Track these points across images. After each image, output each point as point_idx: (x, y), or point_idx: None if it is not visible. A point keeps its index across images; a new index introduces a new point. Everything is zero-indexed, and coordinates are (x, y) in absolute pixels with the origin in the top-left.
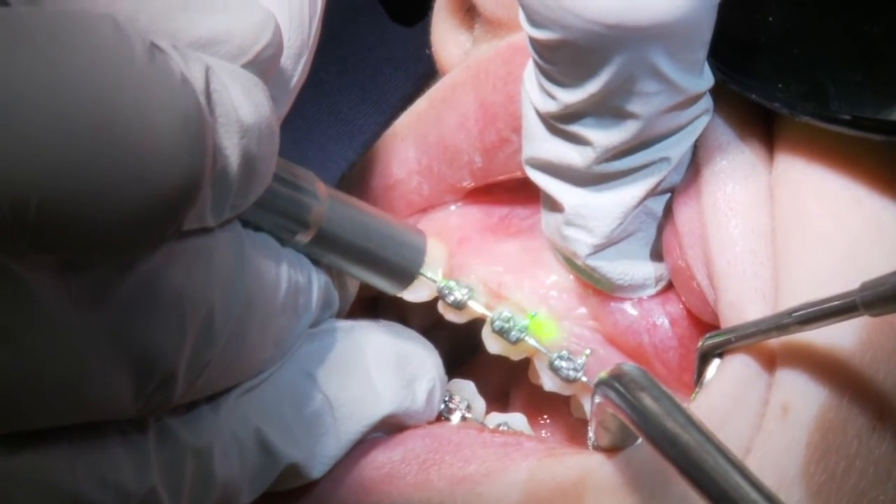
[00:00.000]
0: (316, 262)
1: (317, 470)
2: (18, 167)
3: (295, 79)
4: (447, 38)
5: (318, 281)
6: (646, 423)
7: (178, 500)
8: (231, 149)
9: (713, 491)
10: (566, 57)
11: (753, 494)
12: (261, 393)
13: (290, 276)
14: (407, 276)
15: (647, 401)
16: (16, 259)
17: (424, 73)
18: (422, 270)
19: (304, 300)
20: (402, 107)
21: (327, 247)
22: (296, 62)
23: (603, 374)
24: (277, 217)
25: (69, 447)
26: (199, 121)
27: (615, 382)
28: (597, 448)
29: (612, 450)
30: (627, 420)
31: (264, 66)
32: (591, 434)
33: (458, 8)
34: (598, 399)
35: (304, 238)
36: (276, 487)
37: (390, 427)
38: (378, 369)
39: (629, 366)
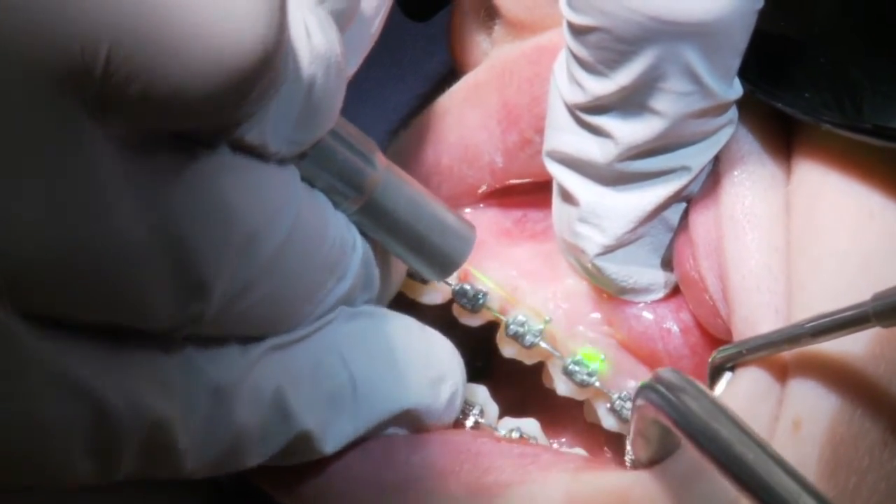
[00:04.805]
0: (363, 236)
1: (329, 445)
2: (90, 7)
3: (371, 33)
4: (466, 37)
5: (361, 249)
6: (687, 421)
7: (191, 433)
8: (299, 68)
9: (756, 486)
10: (602, 43)
11: (796, 487)
12: (288, 354)
13: (336, 230)
14: (449, 265)
15: (688, 400)
16: (81, 109)
17: (438, 71)
18: None
19: (346, 262)
20: (418, 107)
21: (376, 219)
22: (372, 18)
23: (644, 381)
24: (332, 177)
25: (96, 347)
26: None
27: (657, 385)
28: (635, 464)
29: (650, 464)
30: (669, 421)
31: (342, 16)
32: (628, 447)
33: (478, 7)
34: (640, 402)
35: (354, 205)
36: (285, 458)
37: (409, 422)
38: (408, 362)
39: (667, 370)
